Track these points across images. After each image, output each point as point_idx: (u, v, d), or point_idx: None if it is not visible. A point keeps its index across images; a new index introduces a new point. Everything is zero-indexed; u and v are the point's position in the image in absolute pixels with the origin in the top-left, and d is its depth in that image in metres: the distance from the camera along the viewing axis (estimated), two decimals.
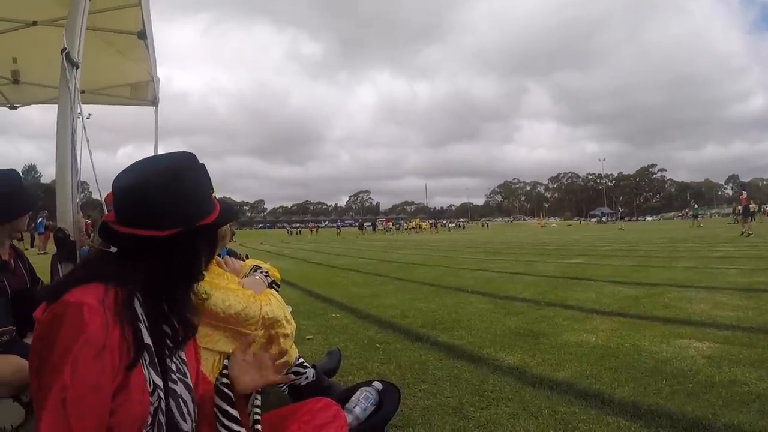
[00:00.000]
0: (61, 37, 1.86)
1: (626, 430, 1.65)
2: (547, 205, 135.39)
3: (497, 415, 1.82)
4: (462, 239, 23.40)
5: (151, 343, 0.79)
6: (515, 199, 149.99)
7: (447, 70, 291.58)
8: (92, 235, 2.12)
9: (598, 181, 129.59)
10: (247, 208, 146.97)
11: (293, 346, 1.88)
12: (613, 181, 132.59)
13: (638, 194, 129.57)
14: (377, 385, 1.73)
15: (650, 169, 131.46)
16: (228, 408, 0.91)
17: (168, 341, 0.85)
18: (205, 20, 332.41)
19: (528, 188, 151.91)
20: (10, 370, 1.45)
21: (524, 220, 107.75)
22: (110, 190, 1.45)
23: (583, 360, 2.45)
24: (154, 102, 3.90)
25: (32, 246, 17.41)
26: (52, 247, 2.16)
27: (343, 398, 1.67)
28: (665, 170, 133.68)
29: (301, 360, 1.89)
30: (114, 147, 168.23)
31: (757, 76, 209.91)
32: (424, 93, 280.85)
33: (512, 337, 3.01)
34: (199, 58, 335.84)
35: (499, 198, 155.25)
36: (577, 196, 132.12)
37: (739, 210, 15.95)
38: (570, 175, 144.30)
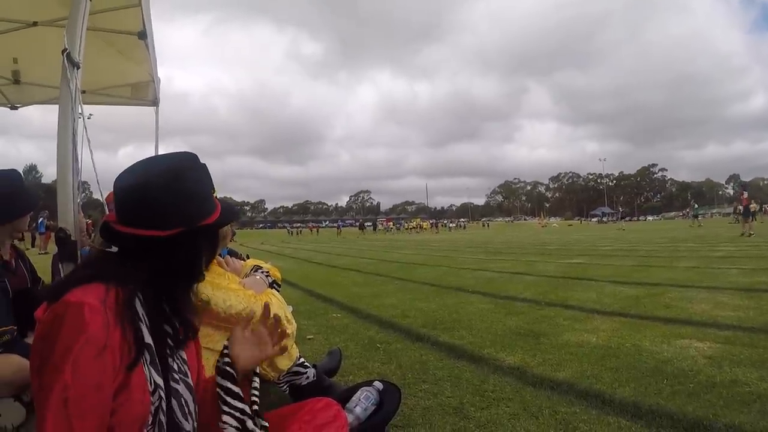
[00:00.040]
0: (62, 38, 1.87)
1: (627, 430, 1.65)
2: (547, 205, 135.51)
3: (498, 415, 1.82)
4: (462, 239, 23.38)
5: (152, 343, 0.79)
6: (516, 199, 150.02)
7: (447, 70, 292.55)
8: (93, 235, 2.13)
9: (598, 180, 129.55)
10: (247, 208, 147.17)
11: (294, 345, 1.88)
12: (614, 181, 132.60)
13: (639, 194, 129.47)
14: (378, 384, 1.73)
15: (651, 169, 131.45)
16: (231, 385, 0.91)
17: (169, 341, 0.85)
18: (206, 20, 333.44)
19: (529, 188, 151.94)
20: (11, 370, 1.45)
21: (525, 220, 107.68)
22: (111, 190, 1.45)
23: (583, 360, 2.45)
24: (155, 102, 3.90)
25: (33, 246, 17.44)
26: (53, 247, 2.16)
27: (344, 398, 1.66)
28: (666, 170, 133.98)
29: (302, 360, 1.89)
30: (115, 147, 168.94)
31: (757, 75, 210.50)
32: (424, 93, 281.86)
33: (513, 337, 3.01)
34: (200, 58, 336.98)
35: (499, 198, 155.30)
36: (577, 196, 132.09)
37: (740, 210, 15.87)
38: (571, 174, 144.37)
